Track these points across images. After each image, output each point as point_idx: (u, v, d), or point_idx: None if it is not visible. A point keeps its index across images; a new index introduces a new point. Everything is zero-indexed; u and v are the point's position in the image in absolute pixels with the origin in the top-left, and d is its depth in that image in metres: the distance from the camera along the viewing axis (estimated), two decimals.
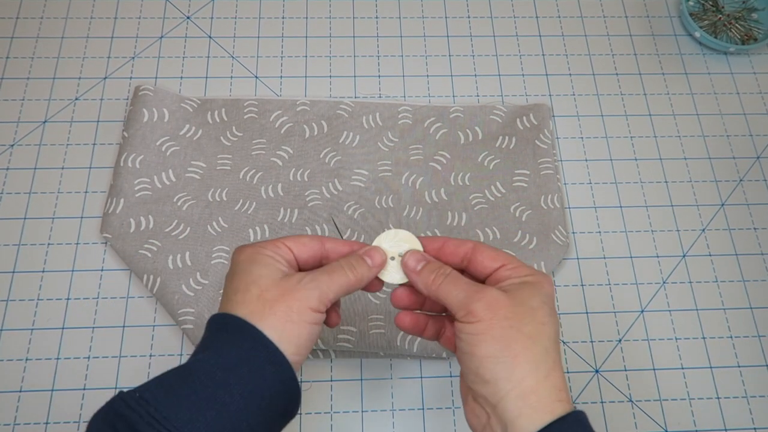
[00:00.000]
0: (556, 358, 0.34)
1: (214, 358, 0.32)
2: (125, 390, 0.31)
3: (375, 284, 0.40)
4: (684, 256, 0.59)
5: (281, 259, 0.36)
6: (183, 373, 0.32)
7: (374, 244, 0.39)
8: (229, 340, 0.33)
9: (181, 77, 0.65)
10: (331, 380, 0.53)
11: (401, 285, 0.39)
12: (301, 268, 0.38)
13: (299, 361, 0.34)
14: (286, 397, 0.33)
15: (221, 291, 0.53)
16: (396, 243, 0.39)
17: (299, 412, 0.51)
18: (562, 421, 0.31)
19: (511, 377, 0.32)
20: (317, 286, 0.35)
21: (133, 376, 0.52)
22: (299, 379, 0.36)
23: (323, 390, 0.52)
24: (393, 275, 0.39)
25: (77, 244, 0.57)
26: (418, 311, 0.40)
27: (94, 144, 0.61)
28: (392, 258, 0.39)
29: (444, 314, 0.41)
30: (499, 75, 0.67)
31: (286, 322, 0.33)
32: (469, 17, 0.70)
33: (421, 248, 0.39)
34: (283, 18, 0.69)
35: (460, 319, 0.34)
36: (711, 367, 0.55)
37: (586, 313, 0.56)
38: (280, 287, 0.34)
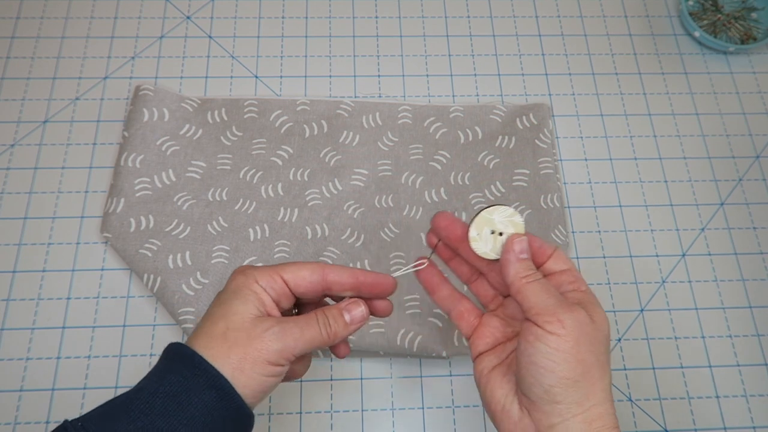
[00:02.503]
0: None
1: (154, 386, 0.32)
2: (70, 420, 0.32)
3: (342, 349, 0.39)
4: (683, 255, 0.59)
5: (267, 298, 0.35)
6: (125, 402, 0.32)
7: (486, 210, 0.37)
8: (173, 369, 0.33)
9: (181, 77, 0.65)
10: (331, 380, 0.53)
11: (423, 270, 0.40)
12: (299, 300, 0.37)
13: (251, 403, 0.34)
14: (234, 422, 0.33)
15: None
16: (506, 221, 0.37)
17: (299, 411, 0.51)
18: None
19: (583, 402, 0.32)
20: (282, 339, 0.34)
21: (134, 376, 0.52)
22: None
23: (323, 389, 0.52)
24: (484, 248, 0.37)
25: (77, 243, 0.57)
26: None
27: (94, 144, 0.61)
28: (492, 232, 0.37)
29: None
30: (499, 75, 0.67)
31: (235, 370, 0.33)
32: (468, 17, 0.70)
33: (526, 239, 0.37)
34: (283, 18, 0.69)
35: (541, 324, 0.33)
36: (710, 366, 0.55)
37: None
38: (246, 330, 0.33)
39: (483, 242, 0.37)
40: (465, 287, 0.45)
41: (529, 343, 0.33)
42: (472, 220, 0.38)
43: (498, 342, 0.39)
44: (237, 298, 0.35)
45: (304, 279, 0.36)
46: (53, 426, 0.50)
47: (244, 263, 0.54)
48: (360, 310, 0.37)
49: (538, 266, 0.37)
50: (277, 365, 0.34)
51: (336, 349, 0.39)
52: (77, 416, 0.32)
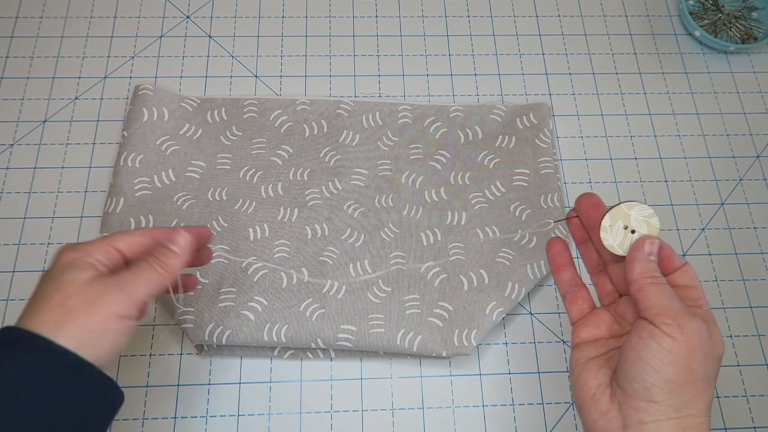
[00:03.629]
0: None
1: None
2: None
3: (191, 281, 0.42)
4: (684, 255, 0.59)
5: (103, 267, 0.35)
6: None
7: (627, 205, 0.37)
8: (11, 355, 0.31)
9: (181, 76, 0.65)
10: (331, 380, 0.53)
11: (557, 244, 0.41)
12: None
13: (104, 365, 0.34)
14: (94, 394, 0.33)
15: (221, 290, 0.53)
16: (642, 219, 0.37)
17: (299, 411, 0.51)
18: None
19: (681, 409, 0.32)
20: (123, 290, 0.34)
21: (133, 376, 0.52)
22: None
23: (323, 389, 0.52)
24: (612, 241, 0.37)
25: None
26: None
27: (93, 143, 0.61)
28: (626, 227, 0.37)
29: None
30: (499, 74, 0.67)
31: (87, 332, 0.32)
32: (469, 16, 0.70)
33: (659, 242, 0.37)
34: (282, 17, 0.69)
35: (658, 324, 0.33)
36: None
37: None
38: (85, 294, 0.33)
39: (613, 235, 0.37)
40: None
41: (641, 339, 0.33)
42: (609, 209, 0.38)
43: (601, 336, 0.39)
44: (70, 269, 0.34)
45: (138, 244, 0.38)
46: None
47: (244, 263, 0.54)
48: (182, 235, 0.38)
49: (664, 275, 0.37)
50: (127, 317, 0.34)
51: (184, 285, 0.41)
52: None
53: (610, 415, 0.34)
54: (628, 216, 0.37)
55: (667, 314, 0.33)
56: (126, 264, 0.37)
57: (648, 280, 0.35)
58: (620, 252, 0.38)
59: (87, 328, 0.33)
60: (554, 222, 0.43)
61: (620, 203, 0.38)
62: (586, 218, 0.40)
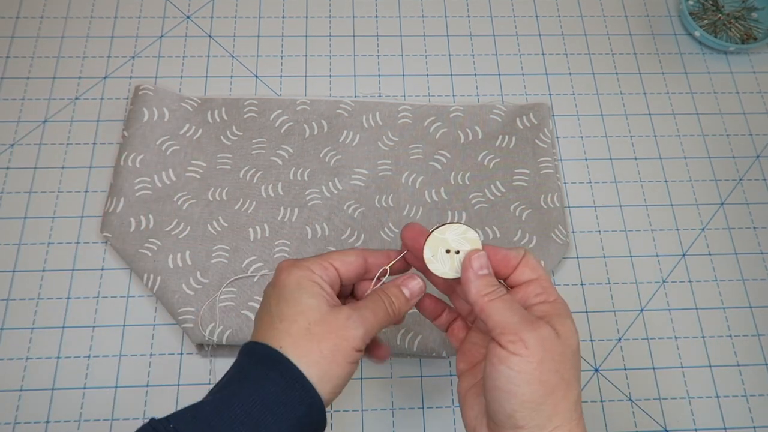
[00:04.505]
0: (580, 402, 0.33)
1: (252, 393, 0.32)
2: (156, 418, 0.31)
3: (384, 350, 0.40)
4: (684, 255, 0.59)
5: (328, 287, 0.35)
6: (218, 407, 0.31)
7: (437, 230, 0.37)
8: (269, 376, 0.32)
9: (181, 77, 0.65)
10: None
11: (427, 300, 0.39)
12: (344, 285, 0.38)
13: (333, 399, 0.34)
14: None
15: (221, 290, 0.53)
16: (460, 238, 0.36)
17: None
18: None
19: (545, 425, 0.32)
20: (363, 325, 0.34)
21: (133, 376, 0.52)
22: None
23: None
24: (443, 268, 0.37)
25: (77, 243, 0.57)
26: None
27: (94, 143, 0.61)
28: (448, 251, 0.36)
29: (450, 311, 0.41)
30: (499, 74, 0.67)
31: (330, 363, 0.33)
32: (469, 17, 0.70)
33: (484, 253, 0.36)
34: (283, 17, 0.69)
35: (504, 344, 0.32)
36: (710, 366, 0.55)
37: (586, 312, 0.56)
38: (329, 323, 0.34)
39: (440, 262, 0.37)
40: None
41: (492, 366, 0.32)
42: (425, 241, 0.37)
43: (477, 360, 0.38)
44: (304, 292, 0.34)
45: (351, 264, 0.37)
46: (53, 426, 0.50)
47: (244, 263, 0.54)
48: (416, 282, 0.38)
49: (505, 278, 0.36)
50: (361, 351, 0.34)
51: (379, 351, 0.40)
52: (161, 416, 0.31)
53: None
54: (445, 240, 0.36)
55: (508, 331, 0.32)
56: (340, 282, 0.37)
57: (485, 298, 0.34)
58: (454, 274, 0.36)
59: (332, 358, 0.33)
60: (395, 259, 0.40)
61: (431, 231, 0.37)
62: (413, 249, 0.38)
